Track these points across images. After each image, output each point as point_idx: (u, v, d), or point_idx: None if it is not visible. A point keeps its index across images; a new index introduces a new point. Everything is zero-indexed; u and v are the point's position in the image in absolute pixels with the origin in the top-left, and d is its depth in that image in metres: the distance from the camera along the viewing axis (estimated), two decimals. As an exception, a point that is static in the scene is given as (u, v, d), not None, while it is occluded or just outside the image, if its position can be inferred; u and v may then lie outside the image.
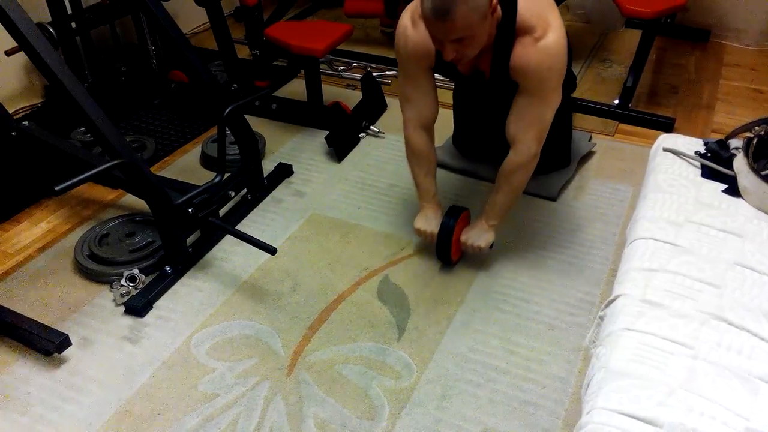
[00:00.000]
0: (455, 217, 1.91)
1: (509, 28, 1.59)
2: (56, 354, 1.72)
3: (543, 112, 1.70)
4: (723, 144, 1.83)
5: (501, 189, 1.86)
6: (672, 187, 1.72)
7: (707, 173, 1.77)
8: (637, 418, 1.13)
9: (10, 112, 2.34)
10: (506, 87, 1.72)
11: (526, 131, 1.72)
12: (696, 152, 1.84)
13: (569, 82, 2.70)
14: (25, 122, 2.28)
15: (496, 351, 1.73)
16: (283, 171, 2.50)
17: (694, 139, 1.92)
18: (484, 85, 1.81)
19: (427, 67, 1.79)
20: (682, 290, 1.39)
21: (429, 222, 1.94)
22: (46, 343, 1.71)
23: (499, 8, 1.55)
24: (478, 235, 1.91)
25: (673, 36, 3.63)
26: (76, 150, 2.18)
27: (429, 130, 1.90)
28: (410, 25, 1.73)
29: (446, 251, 1.93)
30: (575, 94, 2.73)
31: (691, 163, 1.81)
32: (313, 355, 1.72)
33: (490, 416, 1.55)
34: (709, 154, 1.82)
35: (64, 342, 1.70)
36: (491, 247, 1.94)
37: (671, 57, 3.44)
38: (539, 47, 1.58)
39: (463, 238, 1.93)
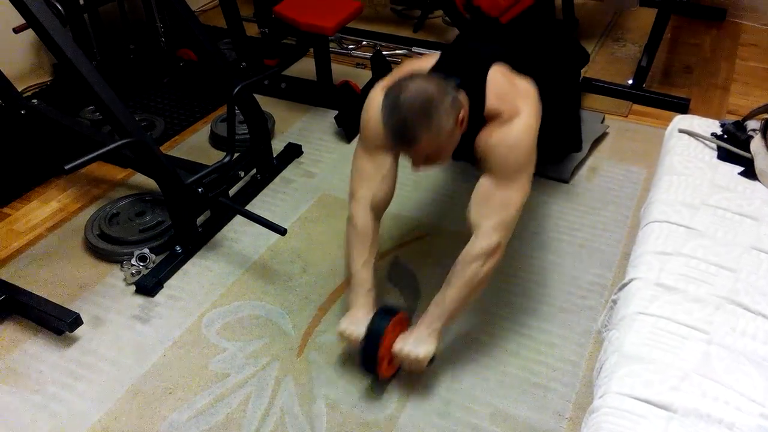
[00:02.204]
0: (386, 319, 1.51)
1: (477, 120, 1.49)
2: (68, 333, 1.73)
3: (507, 197, 1.48)
4: (740, 125, 1.80)
5: (453, 282, 1.50)
6: (687, 169, 1.69)
7: (723, 155, 1.74)
8: (651, 403, 1.13)
9: (19, 90, 2.33)
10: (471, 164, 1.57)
11: (488, 218, 1.49)
12: (712, 134, 1.81)
13: (581, 55, 2.67)
14: (34, 100, 2.28)
15: (507, 333, 1.72)
16: (293, 151, 2.49)
17: (711, 121, 1.89)
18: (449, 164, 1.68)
19: (392, 149, 1.59)
20: (697, 274, 1.37)
21: (357, 324, 1.53)
22: (57, 322, 1.72)
23: (466, 109, 1.46)
24: (415, 344, 1.50)
25: (688, 15, 3.56)
26: (86, 128, 2.17)
27: (379, 214, 1.64)
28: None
29: (372, 363, 1.52)
30: (589, 74, 2.69)
31: (707, 145, 1.79)
32: (323, 335, 1.72)
33: (500, 398, 1.55)
34: (725, 136, 1.79)
35: (75, 321, 1.71)
36: (432, 360, 1.52)
37: (686, 36, 3.38)
38: (503, 128, 1.47)
39: (397, 347, 1.51)
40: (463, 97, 1.46)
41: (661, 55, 3.10)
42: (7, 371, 1.64)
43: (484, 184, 1.50)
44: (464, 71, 1.51)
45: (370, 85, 2.78)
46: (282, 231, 1.89)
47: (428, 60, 1.60)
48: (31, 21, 1.67)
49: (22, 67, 2.78)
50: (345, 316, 1.58)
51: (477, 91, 1.49)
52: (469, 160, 1.54)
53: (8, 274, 1.93)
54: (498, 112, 1.48)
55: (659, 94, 2.78)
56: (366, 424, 1.49)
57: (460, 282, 1.49)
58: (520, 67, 1.63)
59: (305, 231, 2.10)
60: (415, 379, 1.59)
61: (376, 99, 1.56)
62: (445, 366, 1.63)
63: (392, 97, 1.37)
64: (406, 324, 1.58)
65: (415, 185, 2.28)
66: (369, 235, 1.61)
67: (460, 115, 1.42)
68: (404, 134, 1.37)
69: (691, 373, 1.17)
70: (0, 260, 2.00)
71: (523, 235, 2.04)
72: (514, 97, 1.50)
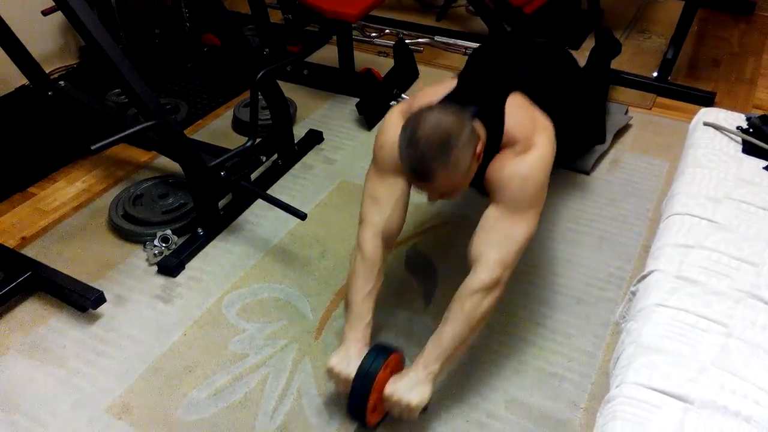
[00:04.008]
0: (380, 359, 1.37)
1: (492, 149, 1.45)
2: (91, 310, 1.76)
3: (513, 231, 1.42)
4: (766, 119, 1.78)
5: (451, 319, 1.40)
6: (711, 162, 1.68)
7: (748, 149, 1.72)
8: (667, 394, 1.13)
9: (46, 72, 2.36)
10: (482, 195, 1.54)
11: (491, 250, 1.41)
12: (738, 127, 1.79)
13: (612, 46, 2.64)
14: (61, 82, 2.31)
15: (524, 323, 1.72)
16: (314, 137, 2.50)
17: (736, 114, 1.86)
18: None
19: (406, 174, 1.49)
20: (719, 267, 1.36)
21: (348, 362, 1.41)
22: (81, 299, 1.75)
23: (483, 140, 1.42)
24: (408, 388, 1.36)
25: (716, 8, 3.51)
26: (111, 111, 2.20)
27: (389, 242, 1.56)
28: (398, 127, 1.43)
29: (360, 407, 1.37)
30: (613, 66, 2.67)
31: (732, 139, 1.77)
32: (340, 320, 1.74)
33: (516, 387, 1.56)
34: (751, 130, 1.77)
35: (99, 298, 1.74)
36: (425, 409, 1.39)
37: (713, 29, 3.33)
38: (516, 159, 1.43)
39: (388, 391, 1.37)
40: (480, 126, 1.42)
41: (687, 48, 3.05)
42: (32, 346, 1.68)
43: (490, 215, 1.45)
44: (482, 99, 1.48)
45: (392, 73, 2.78)
46: (302, 216, 1.90)
47: (445, 86, 1.56)
48: (60, 3, 1.69)
49: (50, 49, 2.82)
50: (336, 351, 1.46)
51: (495, 121, 1.45)
52: (479, 187, 1.50)
53: (34, 252, 1.97)
54: (514, 142, 1.44)
55: (684, 87, 2.75)
56: (381, 408, 1.51)
57: (459, 318, 1.39)
58: (539, 91, 1.61)
59: (325, 216, 2.12)
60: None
61: (391, 123, 1.54)
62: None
63: (410, 131, 1.32)
64: (400, 365, 1.46)
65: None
66: (376, 264, 1.52)
67: (478, 149, 1.37)
68: (421, 171, 1.33)
69: (709, 365, 1.17)
70: (26, 238, 2.04)
71: (542, 226, 2.03)
72: (531, 130, 1.46)
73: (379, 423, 1.46)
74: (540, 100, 1.59)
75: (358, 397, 1.36)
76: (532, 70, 1.79)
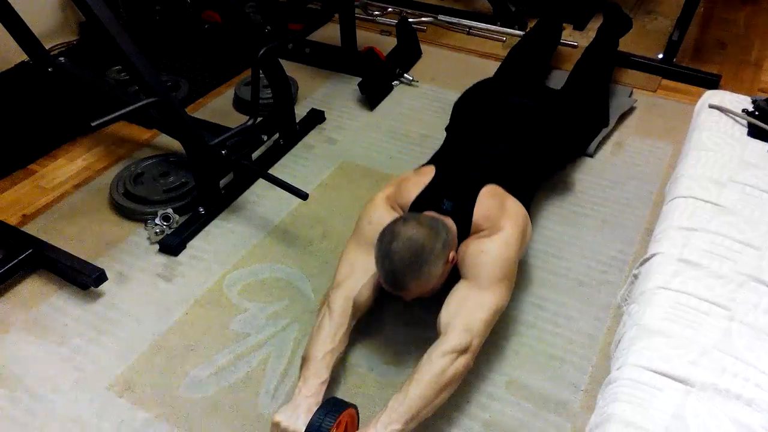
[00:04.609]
0: (332, 415, 1.23)
1: (462, 236, 1.54)
2: (93, 288, 1.76)
3: (482, 300, 1.43)
4: (773, 103, 1.77)
5: (417, 378, 1.31)
6: (716, 145, 1.67)
7: (754, 132, 1.71)
8: (668, 376, 1.13)
9: (46, 48, 2.33)
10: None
11: (459, 318, 1.40)
12: (743, 110, 1.78)
13: (623, 21, 2.62)
14: (61, 59, 2.28)
15: (524, 305, 1.72)
16: (315, 117, 2.48)
17: (742, 97, 1.85)
18: None
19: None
20: (722, 251, 1.36)
21: (297, 418, 1.28)
22: (83, 277, 1.75)
23: (455, 236, 1.50)
24: None
25: (723, -11, 3.47)
26: (112, 88, 2.18)
27: (358, 312, 1.51)
28: (385, 206, 1.62)
29: None
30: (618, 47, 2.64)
31: (737, 121, 1.76)
32: (342, 300, 1.74)
33: (515, 368, 1.56)
34: (756, 113, 1.76)
35: (100, 276, 1.74)
36: None
37: (720, 11, 3.29)
38: (483, 239, 1.50)
39: None
40: (451, 223, 1.51)
41: (693, 30, 3.02)
42: (34, 323, 1.69)
43: (459, 288, 1.48)
44: (456, 195, 1.58)
45: (394, 52, 2.75)
46: (304, 195, 1.89)
47: (425, 176, 1.65)
48: (60, -23, 1.67)
49: (50, 25, 2.79)
50: (284, 406, 1.32)
51: (465, 215, 1.55)
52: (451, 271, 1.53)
53: (35, 229, 1.96)
54: (480, 228, 1.54)
55: (690, 69, 2.72)
56: (381, 386, 1.52)
57: (426, 378, 1.30)
58: (518, 163, 1.75)
59: (326, 197, 2.11)
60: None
61: (377, 205, 1.63)
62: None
63: (384, 245, 1.40)
64: (354, 423, 1.34)
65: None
66: (343, 326, 1.46)
67: (450, 256, 1.45)
68: (394, 283, 1.41)
69: (711, 348, 1.17)
70: (27, 216, 2.04)
71: (544, 208, 2.03)
72: (498, 218, 1.54)
73: None
74: (520, 172, 1.74)
75: None
76: (514, 132, 1.87)
